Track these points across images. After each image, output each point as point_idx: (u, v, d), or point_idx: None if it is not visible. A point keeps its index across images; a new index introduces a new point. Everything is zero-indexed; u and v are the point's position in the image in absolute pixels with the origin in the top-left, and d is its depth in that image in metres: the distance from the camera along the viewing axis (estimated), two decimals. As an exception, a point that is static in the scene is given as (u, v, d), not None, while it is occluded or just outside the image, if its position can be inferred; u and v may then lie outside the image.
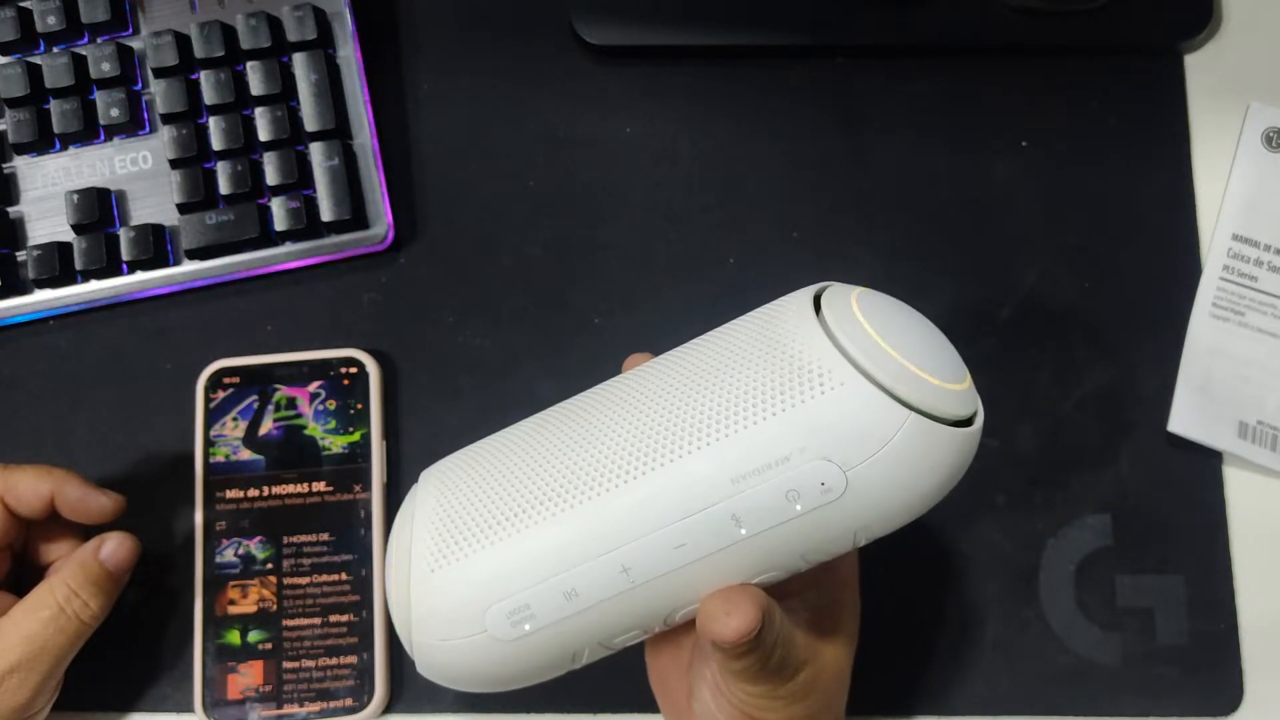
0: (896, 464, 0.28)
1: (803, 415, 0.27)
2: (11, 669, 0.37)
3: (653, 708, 0.43)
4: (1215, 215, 0.47)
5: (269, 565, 0.44)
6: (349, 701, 0.43)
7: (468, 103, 0.49)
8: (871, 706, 0.42)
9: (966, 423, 0.29)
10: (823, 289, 0.30)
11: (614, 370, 0.34)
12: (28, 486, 0.40)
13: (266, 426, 0.45)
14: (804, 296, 0.30)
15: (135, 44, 0.48)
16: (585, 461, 0.30)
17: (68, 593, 0.39)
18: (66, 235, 0.47)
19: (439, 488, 0.32)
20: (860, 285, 0.31)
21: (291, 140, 0.47)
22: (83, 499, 0.40)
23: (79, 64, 0.47)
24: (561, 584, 0.29)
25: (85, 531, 0.42)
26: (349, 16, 0.48)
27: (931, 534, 0.45)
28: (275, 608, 0.44)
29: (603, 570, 0.29)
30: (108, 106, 0.47)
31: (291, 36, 0.47)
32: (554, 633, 0.30)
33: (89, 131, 0.47)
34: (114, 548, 0.40)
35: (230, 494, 0.45)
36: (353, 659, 0.43)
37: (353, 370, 0.46)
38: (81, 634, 0.39)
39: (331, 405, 0.45)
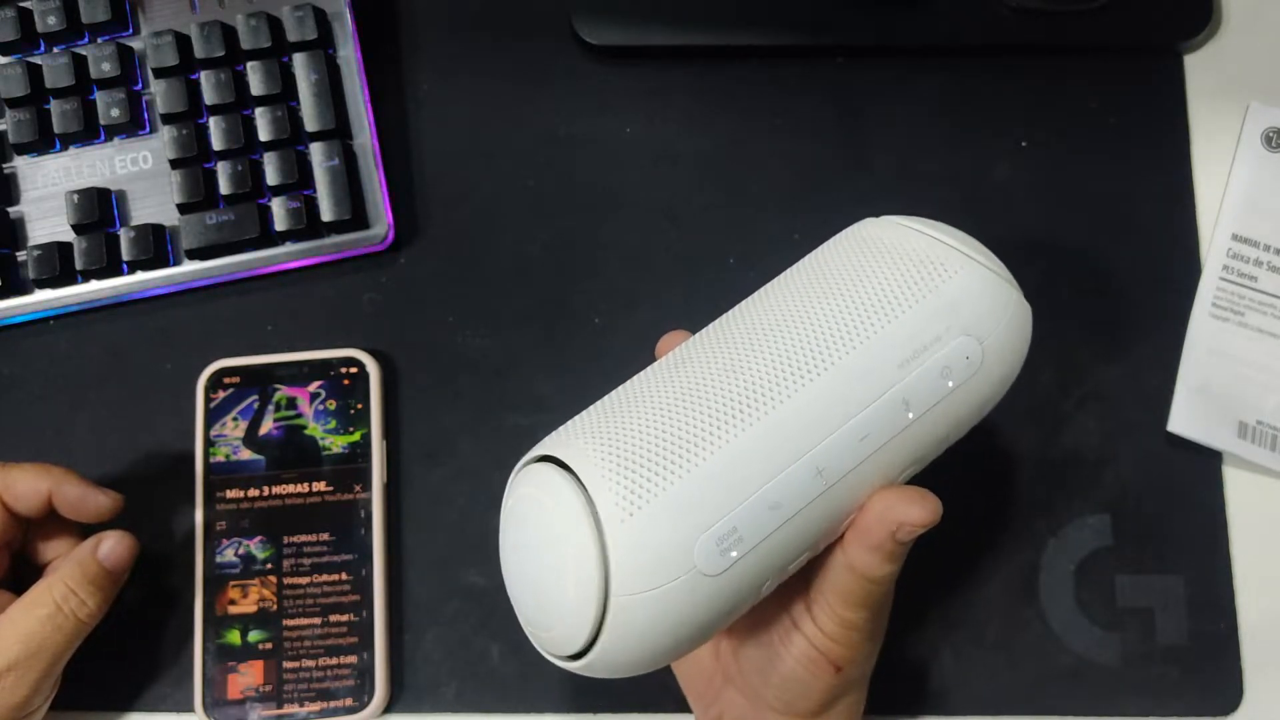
0: (1010, 333, 0.32)
1: (941, 299, 0.31)
2: (9, 667, 0.37)
3: (653, 708, 0.43)
4: (1215, 215, 0.47)
5: (269, 565, 0.44)
6: (349, 701, 0.43)
7: (468, 103, 0.49)
8: (871, 706, 0.42)
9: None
10: (878, 219, 0.35)
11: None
12: (26, 485, 0.40)
13: (267, 426, 0.45)
14: (879, 221, 0.35)
15: (135, 44, 0.48)
16: (753, 378, 0.30)
17: (65, 591, 0.39)
18: (67, 235, 0.47)
19: (586, 443, 0.30)
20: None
21: (291, 140, 0.47)
22: (81, 498, 0.40)
23: (79, 64, 0.47)
24: (765, 497, 0.29)
25: (84, 530, 0.42)
26: (349, 16, 0.48)
27: (932, 533, 0.45)
28: (275, 607, 0.44)
29: (801, 475, 0.29)
30: (108, 106, 0.47)
31: (291, 36, 0.47)
32: (757, 556, 0.29)
33: (89, 131, 0.47)
34: (112, 546, 0.40)
35: (230, 494, 0.45)
36: (353, 659, 0.43)
37: (353, 370, 0.46)
38: (79, 632, 0.39)
39: (332, 405, 0.45)
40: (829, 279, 0.33)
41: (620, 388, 0.32)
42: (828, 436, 0.30)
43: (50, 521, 0.41)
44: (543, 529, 0.29)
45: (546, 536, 0.29)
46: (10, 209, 0.47)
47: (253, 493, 0.45)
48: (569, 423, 0.32)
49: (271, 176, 0.46)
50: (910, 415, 0.31)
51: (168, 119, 0.47)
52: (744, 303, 0.34)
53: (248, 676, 0.43)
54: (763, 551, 0.29)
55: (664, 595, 0.28)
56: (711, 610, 0.29)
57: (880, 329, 0.31)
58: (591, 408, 0.32)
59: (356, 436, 0.45)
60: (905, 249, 0.33)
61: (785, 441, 0.29)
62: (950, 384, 0.31)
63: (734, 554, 0.29)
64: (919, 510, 0.31)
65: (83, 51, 0.47)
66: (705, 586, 0.28)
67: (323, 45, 0.47)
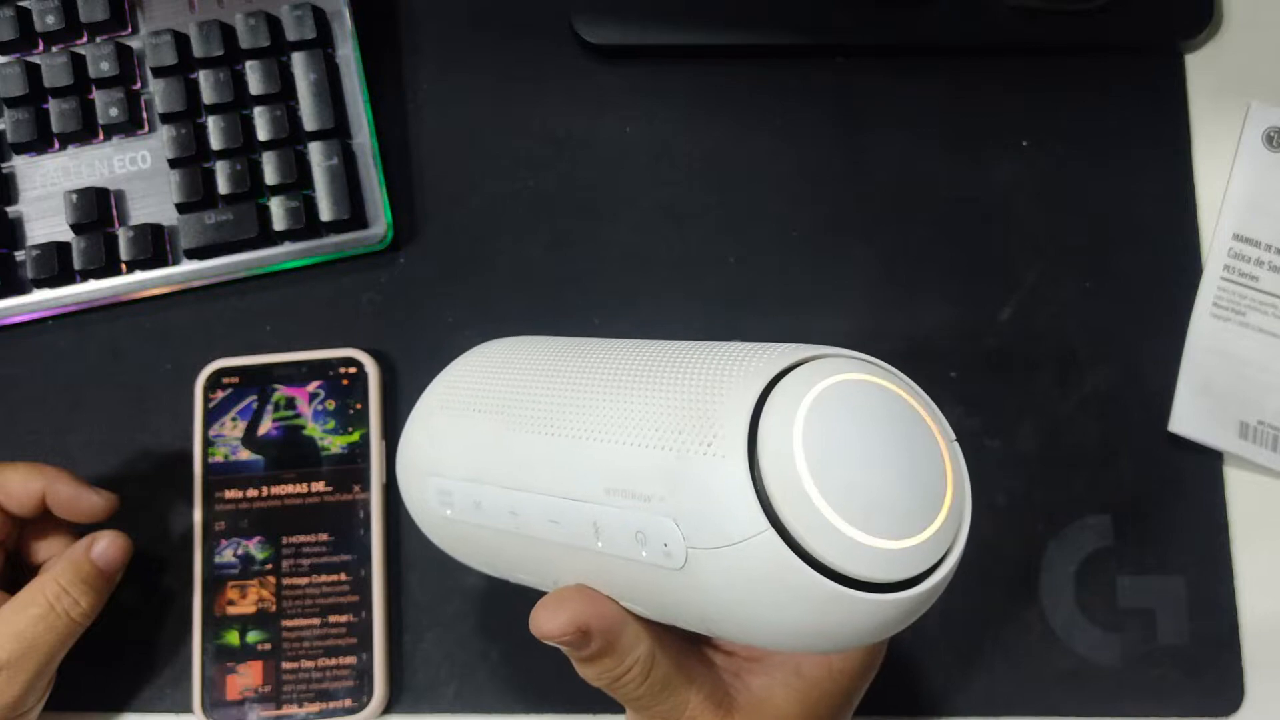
0: (739, 574, 0.24)
1: (678, 465, 0.25)
2: (1, 667, 0.37)
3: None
4: (1216, 215, 0.47)
5: (268, 565, 0.44)
6: (348, 702, 0.43)
7: (468, 103, 0.49)
8: (871, 707, 0.42)
9: (869, 586, 0.24)
10: (808, 359, 0.26)
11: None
12: (19, 484, 0.40)
13: (265, 426, 0.45)
14: (780, 355, 0.26)
15: (134, 43, 0.48)
16: (542, 396, 0.30)
17: (58, 590, 0.39)
18: (65, 235, 0.47)
19: (476, 355, 0.35)
20: (850, 353, 0.27)
21: (290, 140, 0.47)
22: (75, 497, 0.40)
23: (78, 63, 0.47)
24: (471, 491, 0.30)
25: (77, 530, 0.42)
26: (348, 16, 0.48)
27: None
28: (274, 608, 0.44)
29: (498, 500, 0.29)
30: (107, 106, 0.47)
31: (291, 36, 0.47)
32: (467, 531, 0.31)
33: (88, 131, 0.47)
34: (105, 546, 0.40)
35: (229, 494, 0.45)
36: (352, 659, 0.43)
37: (352, 370, 0.46)
38: (72, 632, 0.39)
39: (331, 405, 0.45)
40: (663, 370, 0.27)
41: (557, 339, 0.34)
42: (526, 490, 0.28)
43: (44, 521, 0.41)
44: None
45: None
46: (9, 209, 0.47)
47: (251, 493, 0.45)
48: (533, 338, 0.36)
49: (270, 176, 0.46)
50: (599, 545, 0.27)
51: (166, 118, 0.47)
52: (639, 341, 0.31)
53: (246, 677, 0.43)
54: (475, 534, 0.31)
55: (409, 495, 0.34)
56: (446, 538, 0.33)
57: (620, 444, 0.26)
58: (543, 338, 0.35)
59: (355, 437, 0.45)
60: (719, 399, 0.25)
61: (502, 462, 0.30)
62: (644, 554, 0.25)
63: (448, 513, 0.31)
64: (534, 616, 0.28)
65: (81, 51, 0.47)
66: (432, 515, 0.32)
67: (322, 44, 0.47)
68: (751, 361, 0.26)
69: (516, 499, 0.29)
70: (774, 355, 0.26)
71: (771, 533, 0.23)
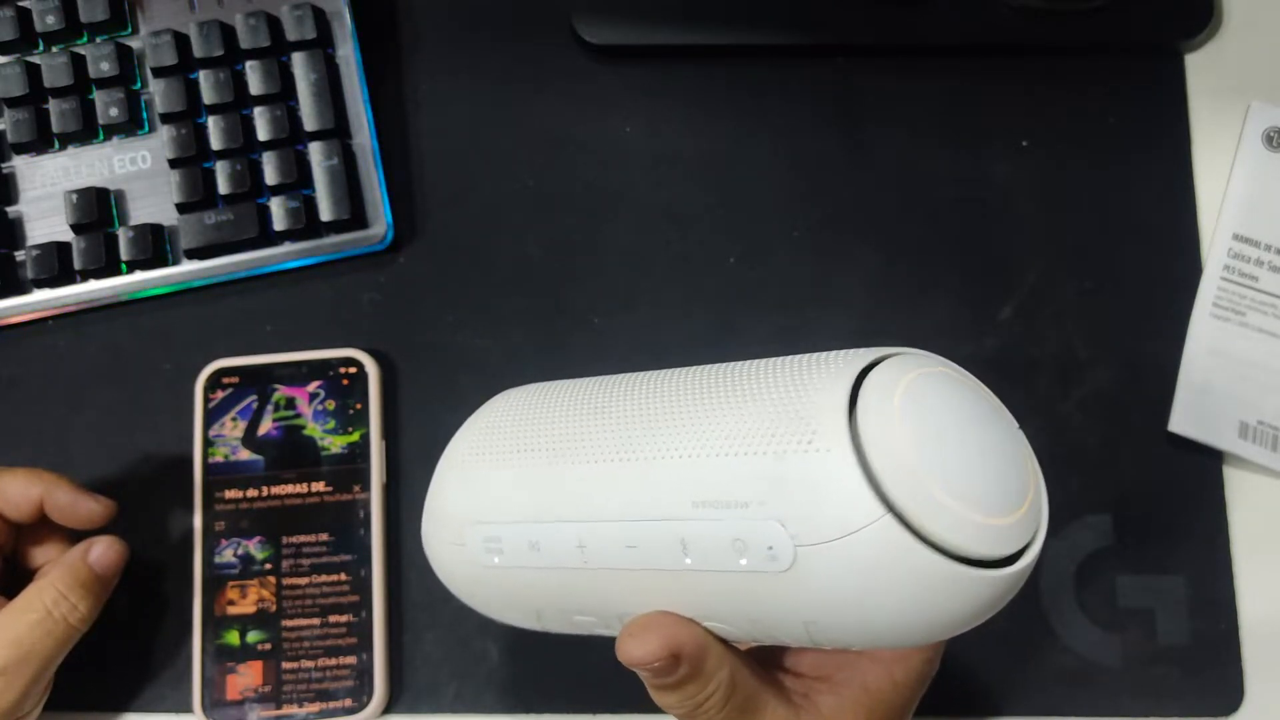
0: (855, 566, 0.24)
1: (776, 466, 0.24)
2: None
3: (653, 708, 0.43)
4: (1216, 215, 0.47)
5: (268, 565, 0.44)
6: (348, 702, 0.43)
7: (468, 103, 0.49)
8: (872, 707, 0.42)
9: (980, 564, 0.24)
10: (886, 355, 0.26)
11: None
12: (17, 490, 0.40)
13: (265, 427, 0.45)
14: (859, 358, 0.26)
15: (134, 43, 0.48)
16: (591, 428, 0.29)
17: (56, 595, 0.39)
18: (65, 235, 0.47)
19: (501, 402, 0.33)
20: (917, 351, 0.27)
21: (291, 140, 0.47)
22: (72, 503, 0.40)
23: (78, 63, 0.47)
24: (527, 533, 0.29)
25: (75, 535, 0.42)
26: (348, 16, 0.48)
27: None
28: (274, 608, 0.44)
29: (561, 537, 0.28)
30: (107, 106, 0.47)
31: (291, 36, 0.47)
32: (518, 578, 0.30)
33: (88, 131, 0.47)
34: (103, 551, 0.40)
35: (229, 494, 0.45)
36: (352, 659, 0.43)
37: (352, 370, 0.46)
38: (69, 637, 0.39)
39: (331, 405, 0.45)
40: (732, 386, 0.28)
41: (578, 380, 0.33)
42: (595, 520, 0.28)
43: (41, 527, 0.41)
44: None
45: None
46: (9, 209, 0.47)
47: (251, 493, 0.45)
48: (545, 384, 0.34)
49: (270, 176, 0.46)
50: (688, 561, 0.26)
51: (166, 118, 0.47)
52: (692, 369, 0.31)
53: (246, 677, 0.43)
54: (527, 579, 0.30)
55: (440, 550, 0.32)
56: (486, 593, 0.32)
57: (702, 457, 0.26)
58: (559, 382, 0.34)
59: (355, 437, 0.45)
60: (805, 397, 0.25)
61: (562, 497, 0.28)
62: (743, 562, 0.25)
63: (496, 560, 0.30)
64: (622, 643, 0.28)
65: (81, 51, 0.47)
66: (473, 567, 0.31)
67: (322, 44, 0.47)
68: (831, 364, 0.26)
69: (584, 530, 0.28)
70: (852, 356, 0.26)
71: (889, 518, 0.23)
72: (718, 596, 0.26)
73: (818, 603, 0.25)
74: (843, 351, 0.27)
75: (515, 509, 0.29)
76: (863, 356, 0.26)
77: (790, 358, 0.28)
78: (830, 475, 0.24)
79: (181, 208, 0.46)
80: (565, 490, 0.29)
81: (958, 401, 0.25)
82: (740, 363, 0.29)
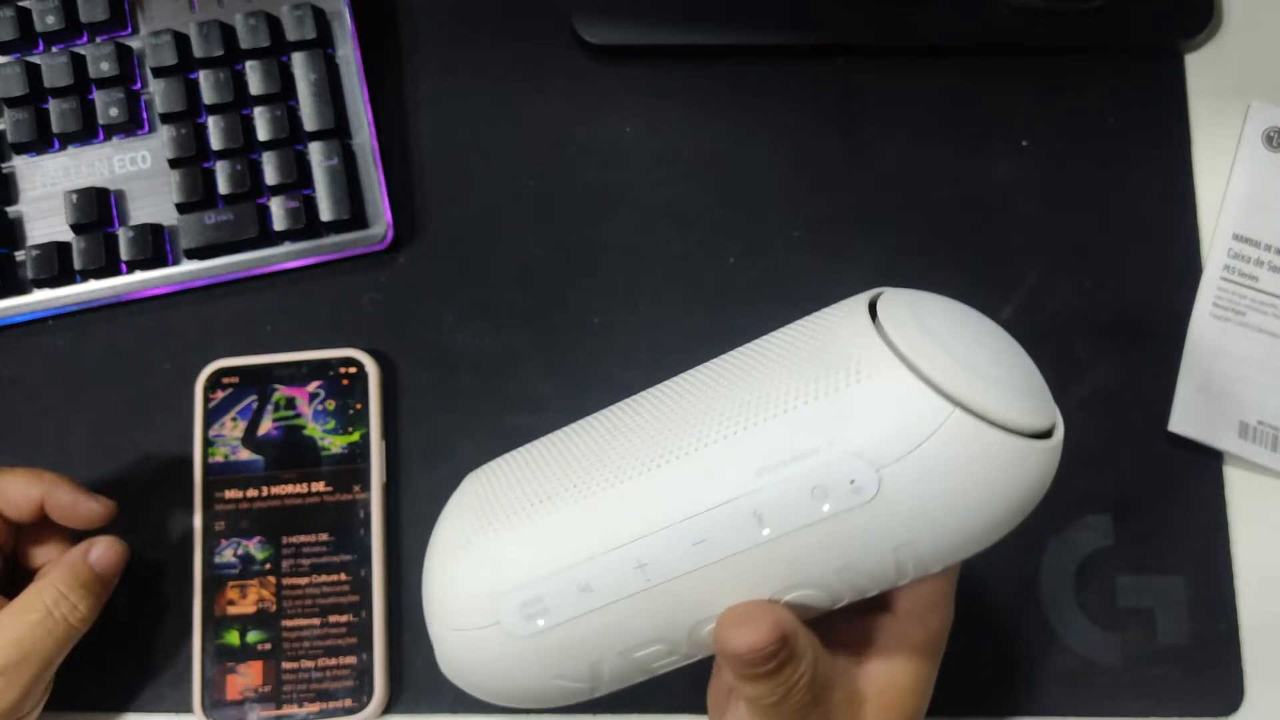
0: (938, 467, 0.25)
1: (834, 405, 0.25)
2: None
3: (653, 708, 0.43)
4: (1216, 215, 0.47)
5: (268, 565, 0.44)
6: (348, 702, 0.43)
7: (468, 103, 0.49)
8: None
9: (1036, 435, 0.26)
10: (879, 292, 0.29)
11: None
12: (18, 490, 0.40)
13: (265, 427, 0.45)
14: (859, 298, 0.28)
15: (134, 43, 0.48)
16: (608, 453, 0.28)
17: (56, 595, 0.39)
18: (65, 235, 0.47)
19: (472, 483, 0.32)
20: (884, 286, 0.29)
21: (291, 140, 0.47)
22: (73, 504, 0.40)
23: (78, 63, 0.47)
24: (575, 576, 0.27)
25: (75, 536, 0.42)
26: (348, 16, 0.48)
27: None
28: (274, 608, 0.44)
29: (617, 564, 0.27)
30: (107, 106, 0.47)
31: (291, 36, 0.47)
32: (570, 633, 0.28)
33: (88, 131, 0.47)
34: (103, 551, 0.40)
35: (229, 494, 0.45)
36: (352, 659, 0.43)
37: (352, 370, 0.46)
38: (70, 637, 0.39)
39: (331, 405, 0.45)
40: (749, 361, 0.29)
41: (548, 435, 0.32)
42: (655, 531, 0.26)
43: (42, 527, 0.41)
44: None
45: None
46: (9, 209, 0.47)
47: (251, 493, 0.45)
48: (509, 453, 0.32)
49: (270, 176, 0.46)
50: (766, 532, 0.26)
51: (166, 118, 0.47)
52: (690, 371, 0.31)
53: (247, 677, 0.43)
54: (579, 631, 0.28)
55: (469, 641, 0.29)
56: (531, 672, 0.28)
57: (754, 425, 0.26)
58: (526, 445, 0.32)
59: (355, 437, 0.45)
60: (835, 339, 0.27)
61: (609, 522, 0.27)
62: (826, 508, 0.25)
63: (541, 623, 0.28)
64: (728, 636, 0.27)
65: (81, 51, 0.47)
66: (512, 647, 0.28)
67: (322, 44, 0.47)
68: (835, 313, 0.28)
69: (641, 547, 0.27)
70: (848, 302, 0.29)
71: (959, 412, 0.25)
72: (802, 557, 0.26)
73: (908, 520, 0.25)
74: (832, 305, 0.29)
75: (552, 559, 0.28)
76: (859, 299, 0.28)
77: (787, 327, 0.30)
78: (891, 393, 0.25)
79: (181, 208, 0.46)
80: (608, 517, 0.27)
81: (952, 308, 0.28)
82: (740, 348, 0.30)
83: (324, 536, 0.44)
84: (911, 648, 0.31)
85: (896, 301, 0.28)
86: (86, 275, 0.46)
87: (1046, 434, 0.27)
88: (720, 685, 0.35)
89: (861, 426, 0.25)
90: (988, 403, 0.25)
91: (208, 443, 0.45)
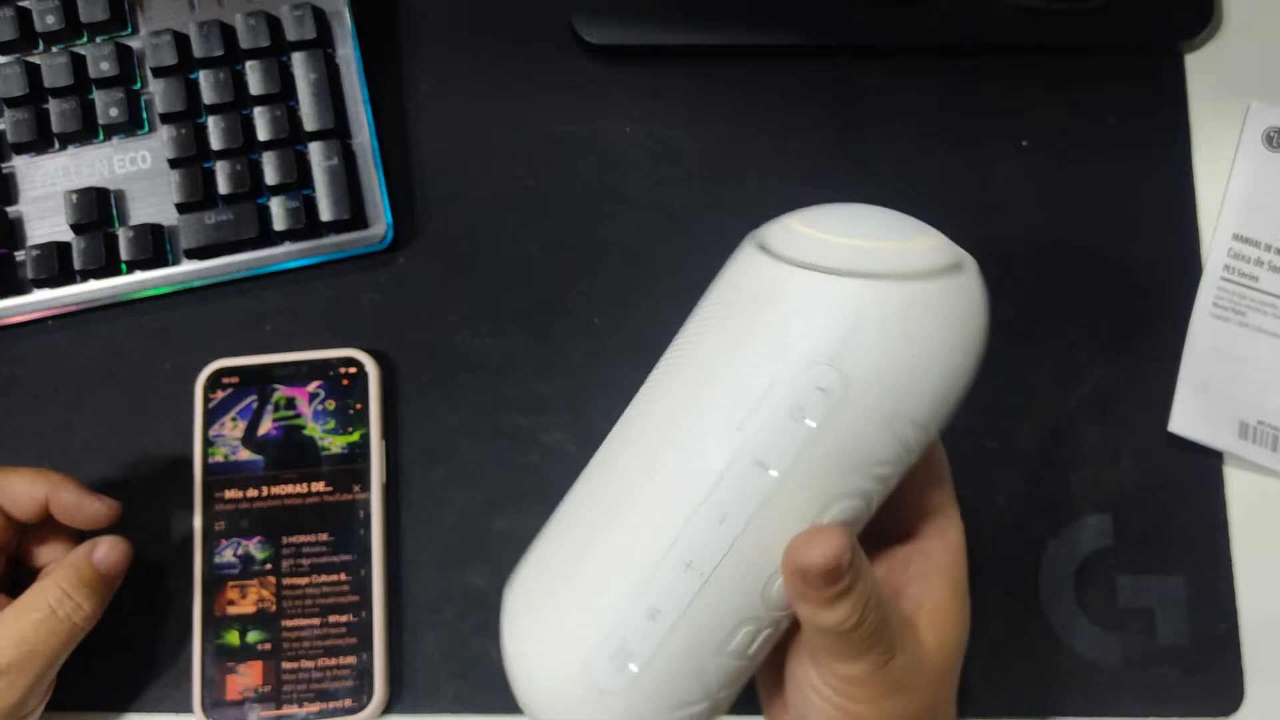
0: (880, 335, 0.27)
1: (768, 335, 0.27)
2: (2, 671, 0.37)
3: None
4: (1216, 215, 0.47)
5: (268, 565, 0.44)
6: (348, 702, 0.43)
7: (468, 102, 0.49)
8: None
9: (948, 272, 0.28)
10: (755, 231, 0.31)
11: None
12: (22, 490, 0.40)
13: (265, 427, 0.45)
14: (742, 244, 0.31)
15: (134, 43, 0.48)
16: (608, 487, 0.29)
17: (60, 594, 0.39)
18: (65, 235, 0.47)
19: (512, 588, 0.32)
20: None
21: (290, 140, 0.47)
22: (78, 504, 0.40)
23: (78, 63, 0.47)
24: (640, 606, 0.28)
25: (79, 535, 0.42)
26: (348, 16, 0.48)
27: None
28: (274, 608, 0.44)
29: (668, 576, 0.27)
30: (107, 106, 0.47)
31: (290, 36, 0.47)
32: (665, 662, 0.28)
33: (88, 131, 0.47)
34: (107, 550, 0.40)
35: (229, 494, 0.45)
36: (352, 659, 0.43)
37: (352, 370, 0.46)
38: (74, 636, 0.39)
39: (331, 405, 0.45)
40: (682, 353, 0.30)
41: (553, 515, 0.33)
42: (680, 530, 0.27)
43: (45, 526, 0.41)
44: None
45: None
46: (9, 209, 0.47)
47: (251, 493, 0.45)
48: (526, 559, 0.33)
49: (270, 176, 0.46)
50: (774, 473, 0.27)
51: (166, 118, 0.47)
52: (645, 383, 0.32)
53: (247, 677, 0.43)
54: (672, 654, 0.28)
55: (585, 717, 0.29)
56: (650, 713, 0.29)
57: (710, 396, 0.27)
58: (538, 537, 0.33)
59: (355, 437, 0.45)
60: (739, 283, 0.29)
61: (638, 545, 0.28)
62: (812, 423, 0.27)
63: (633, 667, 0.28)
64: (804, 556, 0.27)
65: (81, 51, 0.47)
66: (622, 703, 0.28)
67: (322, 44, 0.47)
68: (730, 266, 0.31)
69: (679, 549, 0.27)
70: (736, 251, 0.31)
71: (868, 280, 0.27)
72: (817, 475, 0.27)
73: (883, 392, 0.27)
74: (724, 265, 0.32)
75: (610, 602, 0.28)
76: (742, 245, 0.31)
77: (700, 303, 0.32)
78: (807, 297, 0.27)
79: (181, 208, 0.46)
80: (637, 538, 0.28)
81: (823, 209, 0.30)
82: (672, 342, 0.31)
83: (324, 536, 0.44)
84: (939, 566, 0.33)
85: (773, 227, 0.30)
86: (86, 275, 0.46)
87: (956, 268, 0.29)
88: (771, 672, 0.35)
89: (800, 338, 0.27)
90: (887, 264, 0.27)
91: (208, 443, 0.45)
